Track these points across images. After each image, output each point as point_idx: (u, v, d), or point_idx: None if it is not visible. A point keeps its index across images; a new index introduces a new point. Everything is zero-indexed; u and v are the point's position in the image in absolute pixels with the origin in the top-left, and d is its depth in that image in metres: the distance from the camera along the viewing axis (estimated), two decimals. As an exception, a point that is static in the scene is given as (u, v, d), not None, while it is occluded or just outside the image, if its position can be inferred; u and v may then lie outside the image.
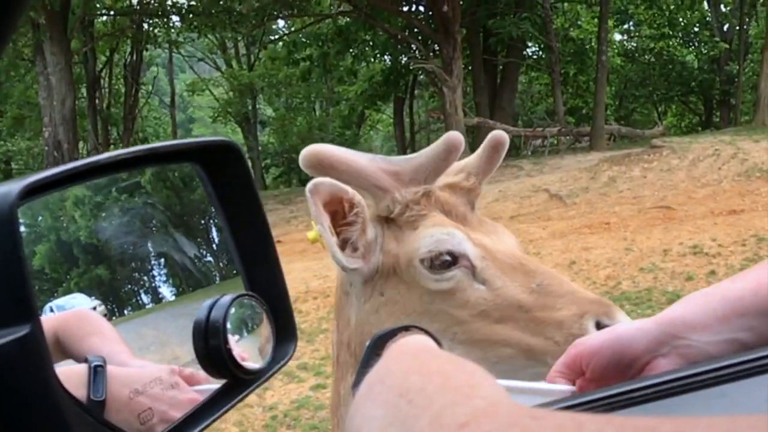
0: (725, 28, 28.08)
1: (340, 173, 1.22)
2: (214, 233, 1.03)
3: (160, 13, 22.88)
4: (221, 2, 20.40)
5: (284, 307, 0.90)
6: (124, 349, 0.85)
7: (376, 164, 1.25)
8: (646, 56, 28.76)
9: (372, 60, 27.43)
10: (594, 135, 20.18)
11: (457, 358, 0.54)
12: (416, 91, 30.20)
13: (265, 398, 5.55)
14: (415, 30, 21.72)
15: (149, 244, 1.04)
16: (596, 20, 22.41)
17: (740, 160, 12.66)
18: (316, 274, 9.08)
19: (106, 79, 28.73)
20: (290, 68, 27.78)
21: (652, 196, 11.78)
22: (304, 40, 25.27)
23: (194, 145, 0.92)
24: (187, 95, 37.10)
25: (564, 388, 0.78)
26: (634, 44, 30.36)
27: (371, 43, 25.69)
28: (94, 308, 0.90)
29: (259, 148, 32.91)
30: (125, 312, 0.98)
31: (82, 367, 0.76)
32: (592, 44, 23.97)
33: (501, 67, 23.57)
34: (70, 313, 0.86)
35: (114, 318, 0.91)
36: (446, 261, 1.18)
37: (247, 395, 0.81)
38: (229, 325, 0.78)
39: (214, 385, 0.82)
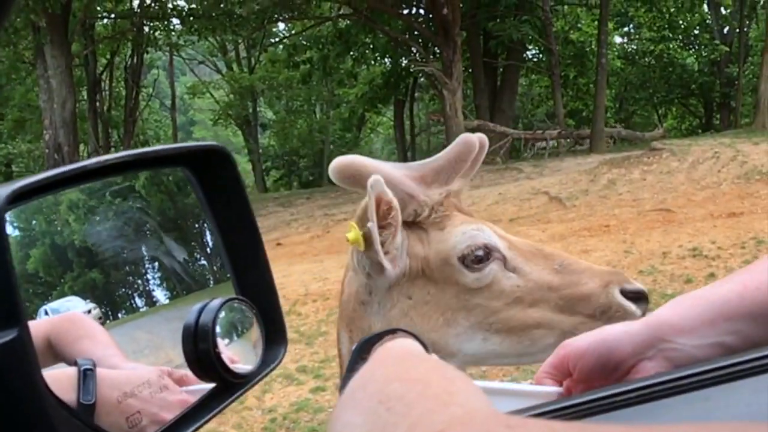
0: (725, 30, 28.09)
1: None
2: (208, 237, 1.03)
3: (160, 16, 22.90)
4: (222, 5, 20.42)
5: (274, 310, 0.90)
6: (115, 353, 0.85)
7: (402, 172, 1.28)
8: (646, 59, 28.76)
9: (372, 63, 27.45)
10: (594, 137, 20.17)
11: (440, 363, 0.54)
12: (416, 94, 30.21)
13: (264, 401, 5.55)
14: (416, 33, 21.74)
15: (143, 248, 1.04)
16: (596, 23, 22.41)
17: (740, 162, 12.65)
18: (316, 277, 9.08)
19: (107, 81, 28.75)
20: (291, 71, 27.78)
21: (652, 199, 11.78)
22: (304, 42, 25.30)
23: (183, 149, 0.93)
24: (188, 98, 37.12)
25: (551, 389, 0.79)
26: (634, 47, 30.38)
27: (371, 46, 25.70)
28: (89, 311, 0.90)
29: (260, 150, 32.91)
30: (119, 315, 0.98)
31: (72, 371, 0.76)
32: (592, 47, 23.96)
33: (501, 69, 23.57)
34: (62, 316, 0.86)
35: (108, 321, 0.92)
36: (480, 256, 1.22)
37: (236, 398, 0.81)
38: (218, 329, 0.78)
39: (205, 386, 0.82)
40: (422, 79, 25.67)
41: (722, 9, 27.81)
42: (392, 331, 0.70)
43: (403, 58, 24.83)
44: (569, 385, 0.78)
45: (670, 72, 28.11)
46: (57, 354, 0.83)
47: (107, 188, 0.95)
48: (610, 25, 24.18)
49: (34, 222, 0.91)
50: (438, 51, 20.04)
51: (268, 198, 22.57)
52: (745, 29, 25.88)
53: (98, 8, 23.51)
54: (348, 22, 23.51)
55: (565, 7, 25.84)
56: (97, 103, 26.61)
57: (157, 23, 24.28)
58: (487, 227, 1.27)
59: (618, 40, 30.75)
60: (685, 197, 11.51)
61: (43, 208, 0.90)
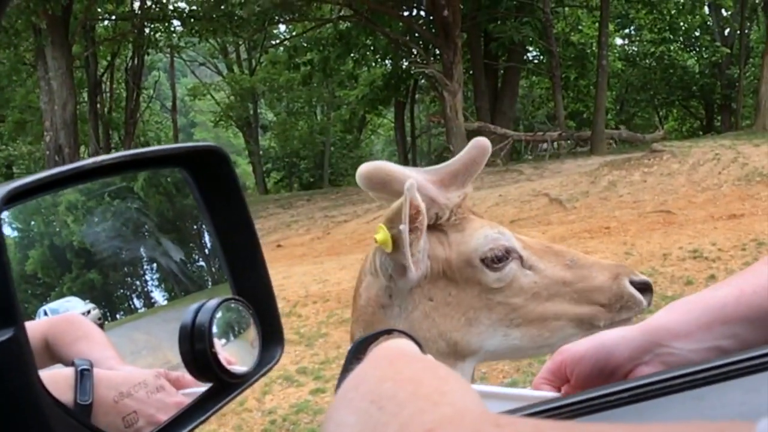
0: (726, 32, 28.12)
1: (401, 187, 1.25)
2: (206, 238, 1.03)
3: (161, 17, 22.94)
4: (222, 7, 20.45)
5: (271, 311, 0.90)
6: (112, 354, 0.85)
7: (423, 176, 1.31)
8: (647, 60, 28.79)
9: (373, 64, 27.49)
10: (594, 139, 20.18)
11: (433, 363, 0.54)
12: (417, 96, 30.24)
13: (264, 402, 5.55)
14: (416, 34, 21.75)
15: (141, 249, 1.04)
16: (597, 25, 22.43)
17: (740, 164, 12.65)
18: (316, 279, 9.08)
19: (108, 83, 28.80)
20: (291, 73, 27.81)
21: (652, 201, 11.77)
22: (305, 44, 25.30)
23: (180, 150, 0.93)
24: (189, 99, 37.13)
25: (548, 395, 0.79)
26: (635, 49, 30.42)
27: (372, 48, 25.74)
28: (88, 312, 0.90)
29: (261, 152, 32.92)
30: (117, 316, 0.98)
31: (69, 371, 0.77)
32: (593, 48, 23.98)
33: (502, 71, 23.59)
34: (60, 317, 0.86)
35: (106, 322, 0.92)
36: (500, 256, 1.28)
37: (233, 399, 0.82)
38: (215, 329, 0.78)
39: (202, 388, 0.82)
40: (423, 81, 25.69)
41: (723, 11, 27.81)
42: (388, 332, 0.70)
43: (404, 60, 24.87)
44: (567, 390, 0.79)
45: (671, 74, 28.13)
46: (54, 355, 0.83)
47: (105, 189, 0.95)
48: (611, 27, 24.22)
49: (32, 223, 0.91)
50: (438, 53, 20.06)
51: (269, 199, 22.59)
52: (746, 31, 25.90)
53: (99, 10, 23.55)
54: (348, 23, 23.54)
55: (566, 8, 25.86)
56: (98, 105, 26.64)
57: (158, 25, 24.33)
58: (506, 230, 1.33)
59: (619, 41, 30.79)
60: (686, 199, 11.50)
61: (41, 209, 0.90)
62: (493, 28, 21.51)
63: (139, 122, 29.64)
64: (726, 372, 0.57)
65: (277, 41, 30.40)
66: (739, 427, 0.35)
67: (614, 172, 13.69)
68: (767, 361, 0.57)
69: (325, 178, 31.01)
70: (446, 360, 1.25)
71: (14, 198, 0.65)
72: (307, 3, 21.35)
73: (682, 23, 27.39)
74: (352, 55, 25.38)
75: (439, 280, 1.28)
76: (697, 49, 28.89)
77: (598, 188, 13.07)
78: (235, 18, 20.51)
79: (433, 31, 20.34)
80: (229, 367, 0.79)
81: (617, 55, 28.63)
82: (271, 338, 0.89)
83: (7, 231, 0.77)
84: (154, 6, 23.33)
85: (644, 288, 1.32)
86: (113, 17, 25.44)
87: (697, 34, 28.53)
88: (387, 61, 27.06)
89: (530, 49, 25.35)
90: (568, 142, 21.71)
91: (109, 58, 27.81)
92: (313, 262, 10.80)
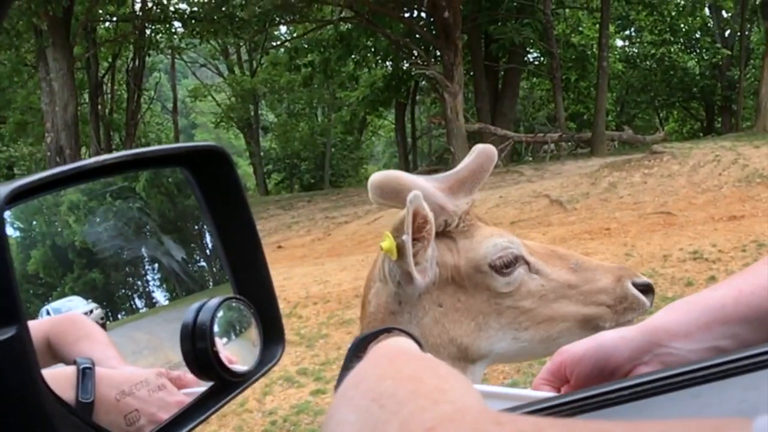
0: (726, 34, 28.12)
1: None
2: (208, 238, 1.03)
3: (162, 19, 22.94)
4: (223, 8, 20.46)
5: (272, 310, 0.91)
6: (114, 354, 0.85)
7: (432, 184, 1.33)
8: (648, 62, 28.78)
9: (373, 66, 27.48)
10: (595, 141, 20.17)
11: (433, 361, 0.54)
12: (418, 97, 30.24)
13: (265, 403, 5.55)
14: (417, 36, 21.75)
15: (143, 249, 1.04)
16: (597, 26, 22.43)
17: (741, 165, 12.65)
18: (317, 280, 9.08)
19: (109, 84, 28.83)
20: (292, 74, 27.84)
21: (653, 202, 11.77)
22: (305, 45, 25.30)
23: (182, 150, 0.93)
24: (190, 101, 37.14)
25: (548, 395, 0.79)
26: (636, 50, 30.40)
27: (373, 49, 25.74)
28: (91, 311, 0.90)
29: (261, 153, 32.93)
30: (119, 316, 0.99)
31: (71, 369, 0.77)
32: (594, 50, 23.99)
33: (502, 72, 23.60)
34: (62, 317, 0.86)
35: (108, 322, 0.92)
36: (508, 261, 1.30)
37: (233, 397, 0.82)
38: (216, 328, 0.79)
39: (203, 387, 0.83)
40: (423, 83, 25.70)
41: (723, 12, 27.81)
42: (388, 330, 0.70)
43: (405, 62, 24.86)
44: (567, 391, 0.79)
45: (672, 75, 28.13)
46: (56, 354, 0.84)
47: (107, 189, 0.96)
48: (612, 29, 24.23)
49: (34, 223, 0.91)
50: (439, 54, 20.05)
51: (269, 201, 22.59)
52: (747, 32, 25.89)
53: (100, 11, 23.57)
54: (349, 25, 23.54)
55: (567, 10, 25.86)
56: (99, 106, 26.65)
57: (159, 26, 24.33)
58: (515, 237, 1.35)
59: (619, 43, 30.80)
60: (686, 200, 11.50)
61: (43, 209, 0.91)
62: (493, 29, 21.52)
63: (140, 123, 29.66)
64: (725, 370, 0.58)
65: (278, 43, 30.39)
66: (737, 424, 0.36)
67: (615, 173, 13.69)
68: (766, 359, 0.57)
69: (325, 180, 31.03)
70: (457, 364, 1.26)
71: (17, 197, 0.66)
72: (307, 4, 21.35)
73: (682, 25, 27.40)
74: (352, 56, 25.39)
75: (448, 286, 1.30)
76: (698, 51, 28.90)
77: (598, 189, 13.07)
78: (236, 19, 20.51)
79: (434, 32, 20.35)
80: (230, 366, 0.80)
81: (618, 56, 28.64)
82: (272, 337, 0.89)
83: (10, 231, 0.77)
84: (155, 7, 23.33)
85: (646, 290, 1.36)
86: (114, 18, 25.45)
87: (697, 35, 28.53)
88: (388, 63, 27.06)
89: (531, 50, 25.36)
90: (569, 143, 21.70)
91: (110, 60, 27.83)
92: (314, 263, 10.80)
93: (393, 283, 1.28)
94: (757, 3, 23.03)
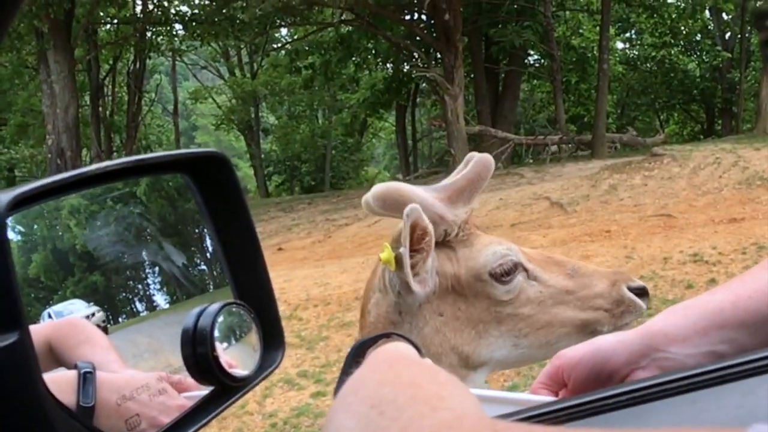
0: (727, 36, 28.14)
1: None
2: (208, 243, 1.04)
3: (163, 21, 22.97)
4: (224, 10, 20.49)
5: (272, 315, 0.91)
6: (115, 358, 0.86)
7: (432, 194, 1.34)
8: (648, 64, 28.78)
9: (374, 68, 27.51)
10: (595, 143, 20.17)
11: (432, 367, 0.55)
12: (418, 99, 30.25)
13: (265, 405, 5.55)
14: (417, 38, 21.77)
15: (143, 253, 1.05)
16: (598, 28, 22.43)
17: (741, 168, 12.64)
18: (317, 282, 9.08)
19: (110, 87, 28.81)
20: (293, 76, 27.86)
21: (653, 204, 11.77)
22: (306, 48, 25.33)
23: (183, 156, 0.94)
24: (190, 103, 37.11)
25: (546, 399, 0.79)
26: (636, 52, 30.41)
27: (373, 52, 25.77)
28: (93, 314, 0.91)
29: (262, 155, 32.95)
30: (120, 320, 0.99)
31: (72, 374, 0.77)
32: (594, 52, 23.99)
33: (502, 75, 23.60)
34: (63, 321, 0.87)
35: (109, 325, 0.92)
36: (507, 270, 1.32)
37: (234, 402, 0.82)
38: (217, 333, 0.79)
39: (203, 391, 0.83)
40: (424, 85, 25.72)
41: (724, 15, 27.82)
42: (387, 335, 0.70)
43: (405, 64, 24.88)
44: (564, 395, 0.79)
45: (672, 78, 28.13)
46: (57, 358, 0.84)
47: (108, 194, 0.96)
48: (612, 31, 24.24)
49: (35, 227, 0.91)
50: (439, 56, 20.07)
51: (270, 203, 22.60)
52: (747, 35, 25.87)
53: (101, 14, 23.60)
54: (350, 27, 23.55)
55: (567, 12, 25.87)
56: (100, 108, 26.66)
57: (160, 28, 24.35)
58: (514, 245, 1.37)
59: (620, 45, 30.78)
60: (687, 203, 11.50)
61: (44, 213, 0.91)
62: (494, 32, 21.52)
63: (140, 125, 29.65)
64: (722, 375, 0.58)
65: (279, 45, 30.40)
66: None
67: (615, 175, 13.69)
68: (763, 364, 0.58)
69: (326, 182, 31.04)
70: (459, 372, 1.27)
71: (19, 204, 0.66)
72: (308, 7, 21.37)
73: (683, 27, 27.39)
74: (353, 58, 25.41)
75: (448, 296, 1.31)
76: (698, 53, 28.90)
77: (598, 192, 13.07)
78: (237, 22, 20.54)
79: (435, 35, 20.36)
80: (230, 370, 0.80)
81: (618, 58, 28.62)
82: (272, 342, 0.89)
83: (11, 235, 0.77)
84: (156, 10, 23.37)
85: (641, 293, 1.38)
86: (115, 21, 25.49)
87: (698, 38, 28.54)
88: (388, 65, 27.09)
89: (531, 52, 25.37)
90: (569, 145, 21.70)
91: (111, 62, 27.82)
92: (314, 265, 10.80)
93: (393, 293, 1.29)
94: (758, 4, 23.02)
